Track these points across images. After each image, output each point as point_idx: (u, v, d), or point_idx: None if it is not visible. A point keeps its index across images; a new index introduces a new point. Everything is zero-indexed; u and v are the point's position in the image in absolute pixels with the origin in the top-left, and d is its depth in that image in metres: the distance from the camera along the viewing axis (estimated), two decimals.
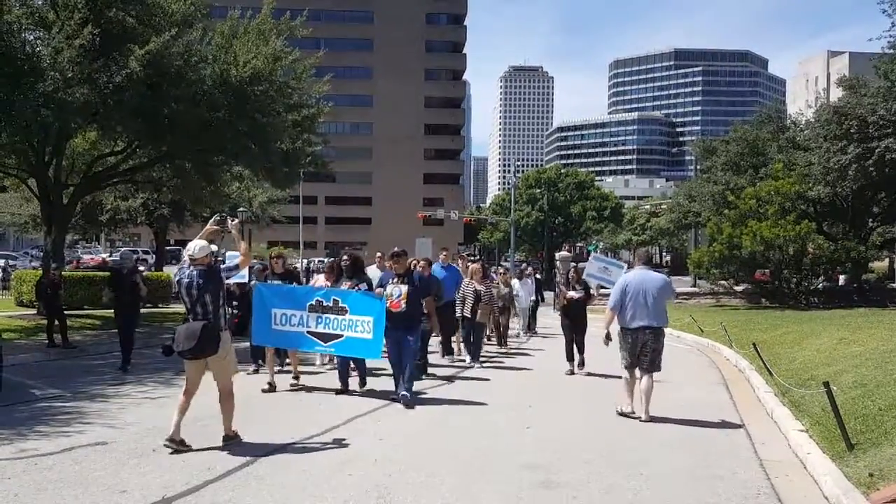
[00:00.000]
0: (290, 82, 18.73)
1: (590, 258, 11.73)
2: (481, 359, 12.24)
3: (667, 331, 21.27)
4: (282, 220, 47.19)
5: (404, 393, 8.31)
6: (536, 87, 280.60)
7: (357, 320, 8.39)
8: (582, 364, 11.19)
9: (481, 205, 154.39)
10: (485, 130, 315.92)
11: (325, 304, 8.54)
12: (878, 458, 5.50)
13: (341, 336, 8.48)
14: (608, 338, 8.10)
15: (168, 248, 31.63)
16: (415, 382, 8.86)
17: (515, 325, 16.93)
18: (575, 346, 11.20)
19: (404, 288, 8.43)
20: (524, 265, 21.14)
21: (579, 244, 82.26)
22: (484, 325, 12.48)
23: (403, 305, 8.38)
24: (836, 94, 29.94)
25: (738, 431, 7.36)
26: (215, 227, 6.67)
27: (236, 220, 6.81)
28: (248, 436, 6.47)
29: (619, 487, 5.34)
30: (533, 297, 17.84)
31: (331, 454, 6.12)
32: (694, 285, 40.29)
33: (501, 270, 15.77)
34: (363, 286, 8.85)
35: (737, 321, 18.64)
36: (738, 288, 28.95)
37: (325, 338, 8.59)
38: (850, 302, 24.46)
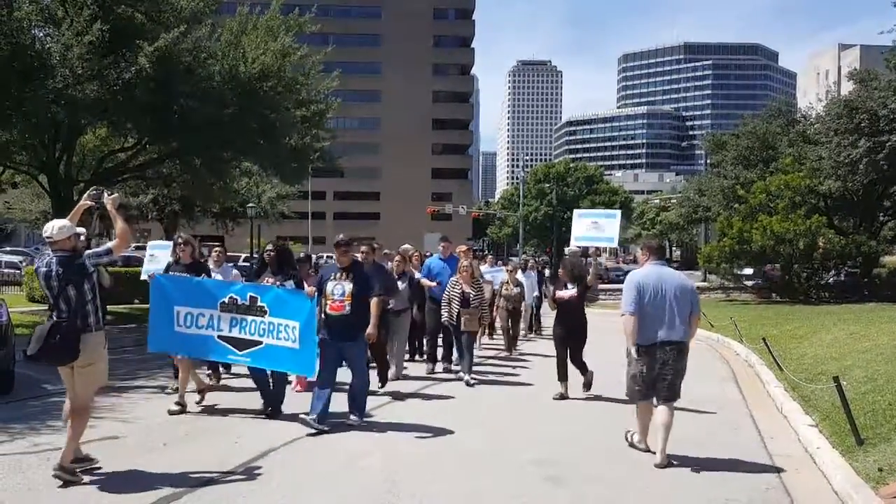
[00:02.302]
0: (298, 78, 18.77)
1: (574, 215, 9.42)
2: (455, 367, 10.29)
3: None
4: (291, 215, 47.29)
5: (353, 421, 6.87)
6: (545, 81, 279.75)
7: (279, 324, 6.78)
8: (588, 385, 8.69)
9: (490, 200, 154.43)
10: (493, 125, 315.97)
11: (239, 302, 6.94)
12: (887, 452, 5.49)
13: (260, 343, 6.86)
14: (638, 353, 5.86)
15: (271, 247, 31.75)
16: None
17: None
18: (571, 362, 8.59)
19: (349, 286, 6.75)
20: (529, 259, 19.77)
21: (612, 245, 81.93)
22: (473, 334, 10.04)
23: (347, 308, 6.69)
24: (847, 87, 29.75)
25: (747, 426, 7.35)
26: (88, 202, 5.56)
27: (114, 195, 5.61)
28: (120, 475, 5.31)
29: (628, 482, 5.35)
30: (536, 293, 16.20)
31: None
32: (704, 280, 40.17)
33: (509, 267, 14.01)
34: (290, 283, 7.20)
35: (747, 316, 18.58)
36: (749, 282, 28.85)
37: (241, 345, 6.95)
38: (861, 297, 24.30)
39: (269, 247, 7.75)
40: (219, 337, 7.01)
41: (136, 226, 38.03)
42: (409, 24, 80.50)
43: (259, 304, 6.86)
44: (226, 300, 6.98)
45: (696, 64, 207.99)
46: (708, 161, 42.66)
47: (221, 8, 18.84)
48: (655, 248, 6.16)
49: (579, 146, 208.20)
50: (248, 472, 5.45)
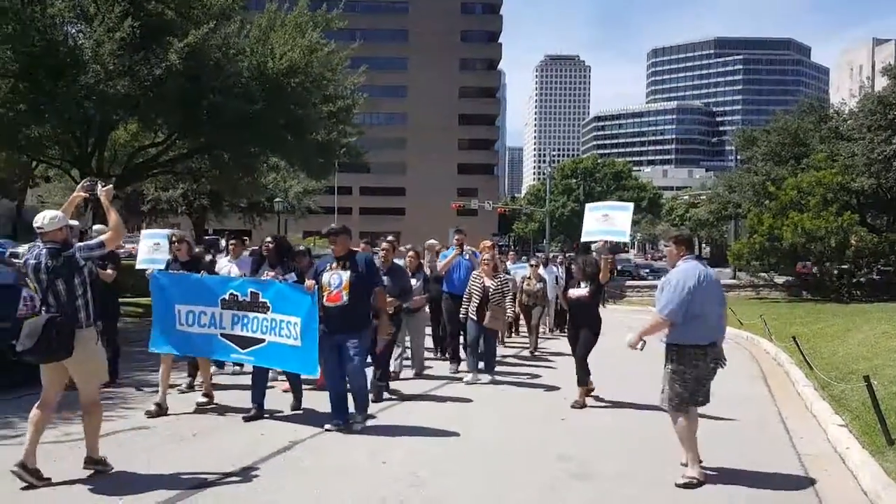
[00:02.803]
0: (325, 74, 18.88)
1: (586, 209, 8.94)
2: (461, 369, 9.82)
3: None
4: (317, 210, 47.61)
5: (358, 424, 6.51)
6: (573, 76, 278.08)
7: (282, 321, 6.49)
8: (581, 397, 8.00)
9: (516, 195, 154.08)
10: (520, 120, 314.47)
11: (240, 298, 6.68)
12: None
13: (263, 341, 6.59)
14: (696, 357, 5.30)
15: (206, 237, 32.20)
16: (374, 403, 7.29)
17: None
18: (575, 362, 8.04)
19: (346, 275, 6.43)
20: (556, 255, 19.19)
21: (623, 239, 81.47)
22: (496, 333, 9.60)
23: (345, 298, 6.39)
24: (881, 82, 29.18)
25: (776, 425, 7.26)
26: (82, 193, 5.38)
27: (108, 186, 5.41)
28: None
29: (652, 479, 5.31)
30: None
31: None
32: (734, 277, 39.75)
33: (533, 262, 13.84)
34: (290, 277, 6.86)
35: (777, 314, 18.38)
36: (779, 280, 28.50)
37: (243, 342, 6.69)
38: (894, 295, 23.87)
39: (268, 239, 7.40)
40: (221, 335, 6.76)
41: (166, 220, 38.58)
42: (437, 19, 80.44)
43: (261, 299, 6.59)
44: (226, 297, 6.73)
45: (727, 59, 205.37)
46: (738, 157, 42.30)
47: (250, 4, 19.03)
48: (688, 241, 5.79)
49: (607, 141, 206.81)
50: (274, 464, 5.51)
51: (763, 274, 28.00)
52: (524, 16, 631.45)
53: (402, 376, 9.39)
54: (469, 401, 8.14)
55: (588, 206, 8.91)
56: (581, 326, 8.05)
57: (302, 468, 5.43)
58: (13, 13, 13.62)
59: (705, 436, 6.59)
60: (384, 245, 8.19)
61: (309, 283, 6.46)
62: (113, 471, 5.19)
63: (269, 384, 7.36)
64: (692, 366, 5.26)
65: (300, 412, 7.17)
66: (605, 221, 8.35)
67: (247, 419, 6.79)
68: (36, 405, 5.03)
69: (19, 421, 6.39)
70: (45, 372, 5.01)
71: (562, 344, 13.40)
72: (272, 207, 36.35)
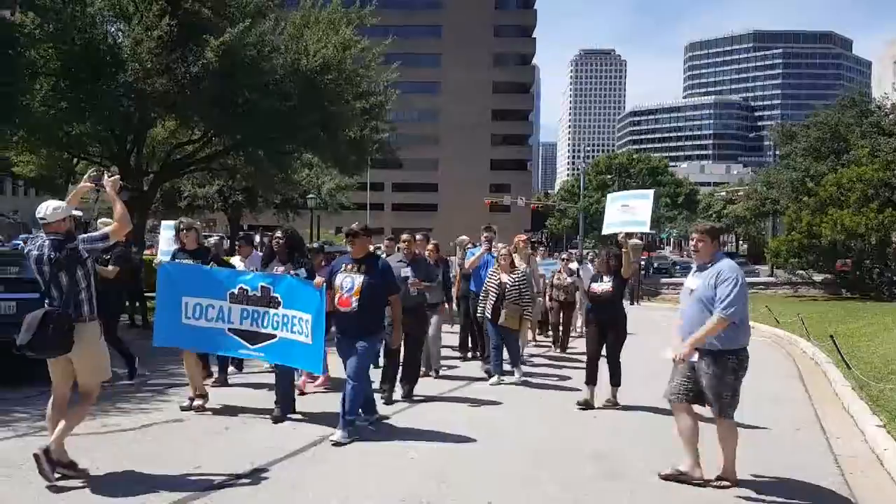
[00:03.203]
0: (358, 70, 18.98)
1: (607, 200, 8.45)
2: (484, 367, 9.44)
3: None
4: (350, 206, 47.94)
5: (338, 439, 5.96)
6: (608, 70, 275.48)
7: (293, 317, 6.23)
8: (614, 396, 7.63)
9: (549, 191, 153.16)
10: (554, 115, 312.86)
11: (250, 292, 6.43)
12: None
13: (274, 337, 6.36)
14: (683, 360, 5.03)
15: (241, 232, 32.61)
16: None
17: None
18: (607, 360, 7.62)
19: (359, 279, 6.13)
20: (589, 252, 18.24)
21: (651, 232, 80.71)
22: (516, 331, 8.95)
23: (355, 303, 6.10)
24: None
25: (812, 425, 7.14)
26: (89, 184, 5.18)
27: (115, 176, 5.21)
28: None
29: (684, 480, 5.26)
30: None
31: None
32: (771, 275, 39.11)
33: (564, 256, 13.56)
34: (302, 272, 6.53)
35: (815, 312, 18.03)
36: (817, 278, 27.98)
37: (253, 338, 6.46)
38: None
39: (278, 234, 6.98)
40: (229, 330, 6.51)
41: (202, 216, 39.20)
42: (470, 14, 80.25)
43: (272, 294, 6.34)
44: (235, 291, 6.45)
45: (766, 52, 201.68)
46: (777, 153, 41.65)
47: (285, 1, 19.21)
48: (714, 230, 5.32)
49: (643, 137, 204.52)
50: (304, 458, 5.57)
51: (801, 271, 27.49)
52: (559, 10, 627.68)
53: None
54: (493, 401, 7.87)
55: (609, 196, 8.59)
56: (605, 324, 7.58)
57: (330, 461, 5.49)
58: (54, 12, 13.94)
59: (745, 434, 6.51)
60: (404, 237, 7.94)
61: (318, 280, 6.26)
62: (58, 477, 4.74)
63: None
64: (744, 369, 5.02)
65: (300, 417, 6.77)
66: (626, 212, 7.93)
67: (275, 420, 6.59)
68: (49, 403, 4.92)
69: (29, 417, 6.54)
70: (51, 367, 4.89)
71: None
72: (305, 204, 36.71)
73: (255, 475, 5.11)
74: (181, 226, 7.43)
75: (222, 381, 8.26)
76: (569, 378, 9.45)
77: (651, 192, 8.36)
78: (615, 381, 7.63)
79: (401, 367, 7.61)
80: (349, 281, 6.16)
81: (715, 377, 4.91)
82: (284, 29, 18.32)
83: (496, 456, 5.77)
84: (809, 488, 5.15)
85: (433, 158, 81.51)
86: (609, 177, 70.91)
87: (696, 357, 4.96)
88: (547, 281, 12.51)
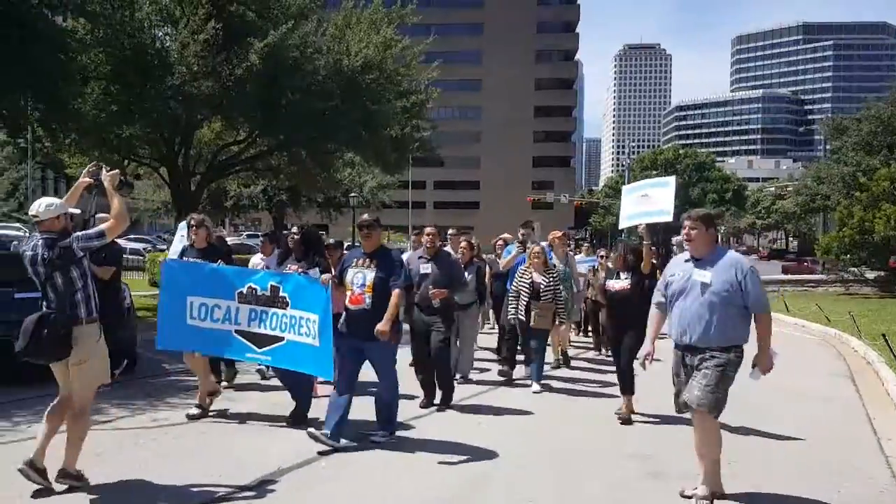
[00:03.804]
0: (399, 69, 19.11)
1: (623, 192, 7.79)
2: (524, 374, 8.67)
3: (790, 320, 19.31)
4: (391, 204, 48.25)
5: (378, 439, 5.79)
6: (653, 65, 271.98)
7: (301, 317, 5.83)
8: (628, 407, 6.95)
9: (593, 188, 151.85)
10: (598, 111, 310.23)
11: (259, 292, 6.03)
12: None
13: (282, 339, 5.94)
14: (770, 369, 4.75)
15: (285, 231, 33.16)
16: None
17: None
18: (616, 369, 7.12)
19: (371, 275, 5.70)
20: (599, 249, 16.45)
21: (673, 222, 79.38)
22: (546, 333, 8.33)
23: (367, 301, 5.66)
24: None
25: (862, 425, 6.97)
26: (87, 179, 4.89)
27: (114, 171, 4.92)
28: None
29: (730, 481, 5.18)
30: None
31: None
32: (822, 272, 38.19)
33: (602, 253, 12.87)
34: (315, 271, 6.24)
35: (867, 310, 17.58)
36: (870, 275, 27.24)
37: (261, 341, 6.03)
38: None
39: (294, 230, 6.63)
40: (236, 332, 6.09)
41: (247, 215, 39.86)
42: (512, 10, 79.97)
43: (281, 294, 5.93)
44: (244, 290, 6.06)
45: (816, 45, 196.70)
46: (827, 147, 40.66)
47: (327, 2, 19.43)
48: (714, 221, 4.88)
49: (690, 132, 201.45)
50: (331, 461, 5.45)
51: (853, 268, 26.82)
52: (602, 4, 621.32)
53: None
54: (525, 406, 7.41)
55: (625, 188, 7.95)
56: (625, 325, 6.88)
57: (359, 462, 5.48)
58: (104, 18, 14.31)
59: (793, 434, 6.41)
60: (428, 230, 7.24)
61: (324, 277, 5.90)
62: (86, 485, 4.66)
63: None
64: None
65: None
66: (645, 202, 7.29)
67: (292, 422, 6.28)
68: (52, 404, 4.66)
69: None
70: (53, 370, 4.65)
71: None
72: (348, 202, 37.08)
73: (262, 487, 4.85)
74: (191, 221, 6.95)
75: (230, 379, 7.92)
76: (608, 384, 8.58)
77: (672, 178, 7.81)
78: (628, 389, 6.92)
79: (437, 383, 7.14)
80: (361, 276, 5.72)
81: (717, 371, 4.56)
82: (326, 30, 18.52)
83: (533, 457, 5.72)
84: (858, 489, 5.03)
85: (475, 156, 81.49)
86: (654, 173, 69.85)
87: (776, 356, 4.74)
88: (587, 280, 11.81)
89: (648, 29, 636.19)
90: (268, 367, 7.39)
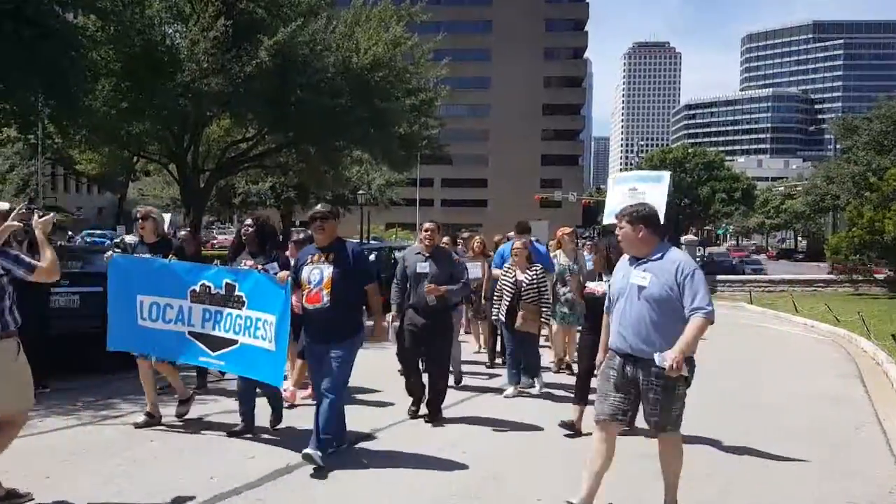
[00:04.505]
0: (408, 67, 19.12)
1: (609, 183, 7.10)
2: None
3: (799, 320, 19.10)
4: (399, 202, 48.30)
5: (309, 452, 4.98)
6: (662, 63, 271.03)
7: (257, 319, 5.35)
8: (579, 416, 6.25)
9: (601, 186, 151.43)
10: (606, 109, 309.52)
11: (213, 290, 5.54)
12: None
13: (235, 342, 5.45)
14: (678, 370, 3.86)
15: (293, 228, 33.21)
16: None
17: None
18: (578, 378, 6.37)
19: (328, 270, 5.16)
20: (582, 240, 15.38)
21: (707, 227, 79.21)
22: (534, 336, 7.67)
23: (325, 299, 5.13)
24: None
25: (871, 427, 6.92)
26: (15, 223, 4.37)
27: (47, 216, 4.45)
28: None
29: (742, 477, 5.18)
30: None
31: None
32: (831, 272, 38.04)
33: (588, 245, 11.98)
34: (274, 266, 5.70)
35: (877, 311, 17.48)
36: (880, 276, 27.10)
37: (214, 344, 5.54)
38: None
39: (248, 222, 6.06)
40: (189, 333, 5.62)
41: (255, 211, 39.99)
42: (521, 8, 79.85)
43: (237, 293, 5.44)
44: (197, 288, 5.58)
45: (827, 43, 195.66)
46: (837, 146, 40.47)
47: (336, 0, 19.45)
48: (657, 220, 4.29)
49: (699, 130, 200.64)
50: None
51: (862, 268, 26.66)
52: (612, 1, 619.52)
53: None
54: (515, 414, 6.83)
55: (611, 178, 7.38)
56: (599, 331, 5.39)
57: (374, 460, 5.48)
58: (115, 15, 14.39)
59: (796, 433, 6.38)
60: (427, 225, 6.60)
61: (282, 274, 5.37)
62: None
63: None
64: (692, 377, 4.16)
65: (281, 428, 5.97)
66: (635, 197, 6.58)
67: (231, 434, 5.76)
68: None
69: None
70: None
71: None
72: (356, 199, 37.14)
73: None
74: (137, 214, 6.25)
75: (201, 386, 7.32)
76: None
77: (667, 174, 7.28)
78: (581, 398, 6.18)
79: (427, 387, 6.57)
80: (317, 273, 5.19)
81: (668, 388, 4.02)
82: (336, 27, 18.55)
83: (532, 460, 5.69)
84: (868, 490, 5.00)
85: (483, 154, 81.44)
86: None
87: (687, 371, 3.97)
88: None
89: (658, 27, 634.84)
90: (222, 372, 6.78)
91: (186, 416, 6.23)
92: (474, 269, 8.86)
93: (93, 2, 12.88)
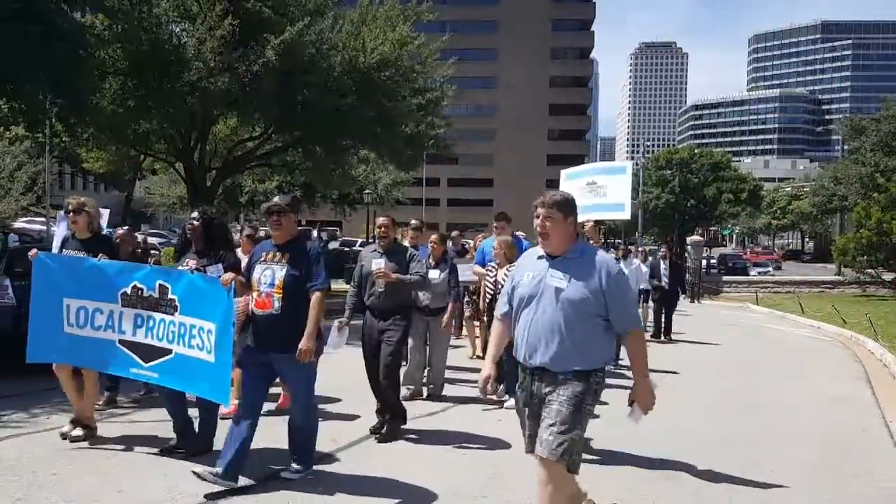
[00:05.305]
0: (415, 67, 19.13)
1: (561, 178, 6.37)
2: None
3: (805, 321, 19.13)
4: (405, 201, 48.28)
5: (289, 475, 4.68)
6: (669, 63, 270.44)
7: (192, 326, 4.78)
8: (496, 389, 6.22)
9: None
10: (613, 110, 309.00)
11: (145, 293, 4.99)
12: None
13: (169, 352, 4.89)
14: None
15: (299, 227, 33.28)
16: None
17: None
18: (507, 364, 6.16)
19: (281, 272, 4.59)
20: (637, 246, 15.26)
21: (713, 228, 78.95)
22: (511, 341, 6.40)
23: (276, 304, 4.56)
24: None
25: (878, 428, 6.91)
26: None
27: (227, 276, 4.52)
28: None
29: (746, 477, 5.16)
30: (643, 286, 13.07)
31: None
32: (838, 274, 37.91)
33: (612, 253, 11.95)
34: (217, 268, 5.10)
35: (884, 313, 17.42)
36: (887, 277, 26.99)
37: (147, 353, 4.99)
38: None
39: (194, 215, 5.38)
40: (120, 342, 5.07)
41: (262, 210, 40.18)
42: (527, 8, 79.76)
43: (169, 296, 4.89)
44: (128, 290, 5.03)
45: (835, 44, 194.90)
46: (845, 147, 40.25)
47: (343, 0, 19.48)
48: (575, 210, 3.62)
49: (705, 131, 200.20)
50: (354, 453, 5.52)
51: (870, 270, 26.57)
52: (618, 1, 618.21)
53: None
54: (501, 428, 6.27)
55: (564, 172, 6.62)
56: None
57: (380, 458, 5.47)
58: (122, 14, 14.43)
59: (807, 437, 6.35)
60: (380, 220, 6.14)
61: (226, 276, 4.71)
62: None
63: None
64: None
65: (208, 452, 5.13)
66: (595, 192, 6.03)
67: (164, 452, 5.19)
68: None
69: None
70: None
71: (661, 356, 11.17)
72: (362, 199, 37.19)
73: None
74: (69, 206, 5.55)
75: (111, 400, 6.67)
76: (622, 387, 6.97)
77: (628, 164, 6.75)
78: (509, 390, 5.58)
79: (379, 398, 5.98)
80: (269, 274, 4.60)
81: (570, 404, 3.42)
82: (342, 26, 18.55)
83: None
84: (874, 492, 5.00)
85: (489, 153, 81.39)
86: (669, 172, 69.46)
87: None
88: None
89: (664, 27, 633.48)
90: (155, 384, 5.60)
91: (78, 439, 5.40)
92: (466, 271, 8.50)
93: (101, 1, 12.93)
